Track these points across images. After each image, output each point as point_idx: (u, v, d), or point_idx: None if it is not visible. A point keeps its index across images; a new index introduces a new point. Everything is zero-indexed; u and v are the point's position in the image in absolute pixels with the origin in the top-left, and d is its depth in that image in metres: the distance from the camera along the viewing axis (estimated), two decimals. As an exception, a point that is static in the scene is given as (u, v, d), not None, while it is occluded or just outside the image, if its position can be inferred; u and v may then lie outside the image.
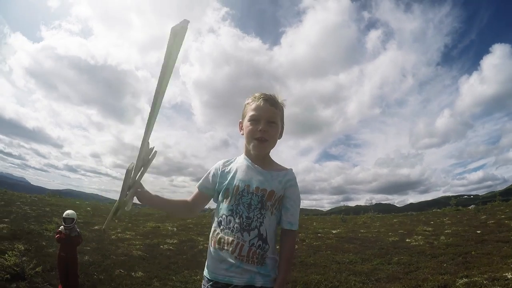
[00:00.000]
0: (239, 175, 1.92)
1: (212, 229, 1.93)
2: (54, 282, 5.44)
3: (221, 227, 1.86)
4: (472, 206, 21.11)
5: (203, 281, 1.91)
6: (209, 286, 1.83)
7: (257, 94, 1.95)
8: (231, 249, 1.79)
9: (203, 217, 22.83)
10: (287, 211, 1.91)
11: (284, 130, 2.05)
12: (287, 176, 1.95)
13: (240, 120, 2.03)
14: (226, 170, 1.99)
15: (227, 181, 1.93)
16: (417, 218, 17.89)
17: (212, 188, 2.01)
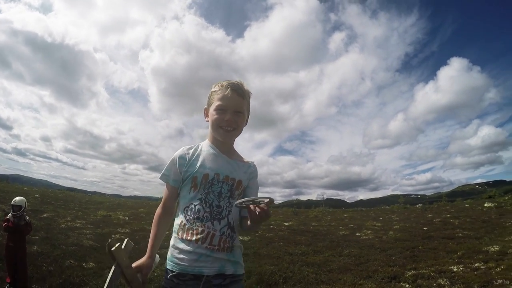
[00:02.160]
0: (207, 163, 1.89)
1: (177, 220, 1.89)
2: (1, 274, 5.07)
3: (188, 217, 1.83)
4: (420, 205, 22.36)
5: (165, 274, 1.84)
6: (173, 279, 1.78)
7: (224, 83, 1.92)
8: (201, 239, 1.76)
9: (155, 206, 22.33)
10: None
11: (249, 117, 2.05)
12: (251, 167, 2.02)
13: (206, 107, 2.00)
14: (192, 158, 1.93)
15: (195, 169, 1.88)
16: (367, 214, 18.77)
17: (179, 179, 1.93)
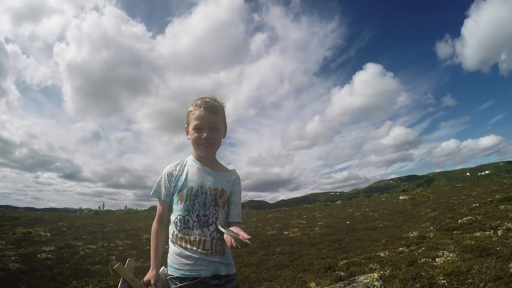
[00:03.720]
0: (192, 177, 2.15)
1: (170, 230, 2.14)
2: None
3: (179, 228, 2.08)
4: (339, 201, 23.72)
5: (169, 282, 2.06)
6: (177, 283, 2.01)
7: (198, 102, 2.16)
8: (195, 245, 2.02)
9: (75, 219, 20.83)
10: (236, 206, 2.25)
11: (227, 129, 2.30)
12: (233, 175, 2.28)
13: (186, 126, 2.24)
14: (179, 173, 2.19)
15: (181, 184, 2.14)
16: (290, 213, 19.48)
17: (170, 194, 2.18)
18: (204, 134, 2.12)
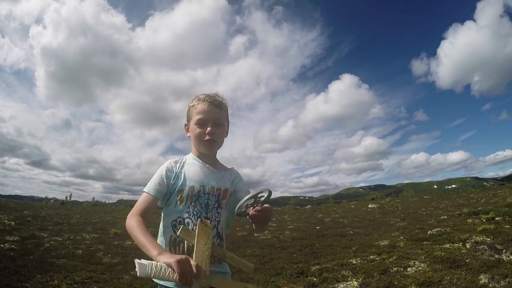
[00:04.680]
0: (192, 176, 1.96)
1: (166, 236, 1.87)
2: None
3: (178, 232, 1.77)
4: (309, 206, 23.95)
5: None
6: None
7: (201, 96, 2.03)
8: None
9: (41, 208, 20.08)
10: None
11: (229, 127, 2.16)
12: (233, 173, 2.13)
13: (186, 122, 2.10)
14: (178, 171, 1.99)
15: (181, 183, 1.94)
16: (261, 215, 19.41)
17: (165, 192, 1.94)
18: (208, 129, 1.96)
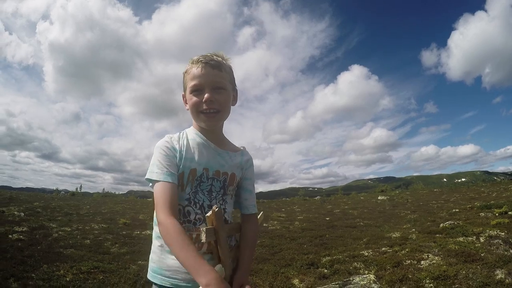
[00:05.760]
0: (194, 156, 1.61)
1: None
2: None
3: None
4: (318, 197, 23.94)
5: None
6: None
7: (195, 58, 1.62)
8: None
9: (51, 200, 20.28)
10: (251, 194, 1.77)
11: (237, 94, 1.76)
12: (245, 156, 1.78)
13: (183, 93, 1.71)
14: (183, 149, 1.61)
15: (181, 164, 1.59)
16: (269, 205, 19.55)
17: (177, 173, 1.59)
18: (206, 95, 1.56)
